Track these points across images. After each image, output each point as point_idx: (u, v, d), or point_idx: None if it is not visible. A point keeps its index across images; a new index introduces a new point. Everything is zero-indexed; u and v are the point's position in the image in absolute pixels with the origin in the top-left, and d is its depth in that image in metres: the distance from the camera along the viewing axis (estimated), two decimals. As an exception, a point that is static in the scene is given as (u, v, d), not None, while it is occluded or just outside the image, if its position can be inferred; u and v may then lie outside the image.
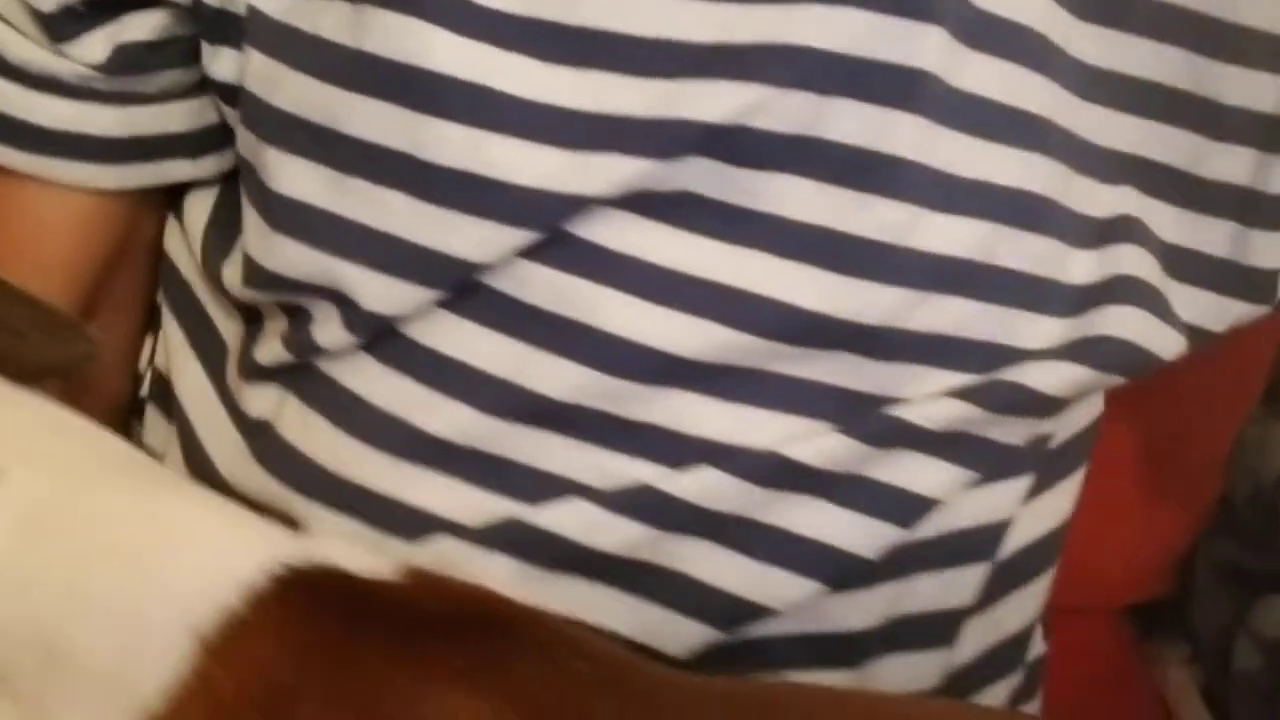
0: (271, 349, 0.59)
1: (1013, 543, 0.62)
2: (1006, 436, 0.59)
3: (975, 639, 0.62)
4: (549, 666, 0.46)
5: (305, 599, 0.47)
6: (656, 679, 0.48)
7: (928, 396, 0.57)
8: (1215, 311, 0.62)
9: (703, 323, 0.55)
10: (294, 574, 0.47)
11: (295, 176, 0.55)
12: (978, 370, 0.58)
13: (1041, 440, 0.61)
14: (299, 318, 0.58)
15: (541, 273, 0.55)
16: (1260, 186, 0.61)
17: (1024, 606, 0.63)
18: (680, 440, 0.56)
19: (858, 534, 0.58)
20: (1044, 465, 0.62)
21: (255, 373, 0.60)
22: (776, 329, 0.56)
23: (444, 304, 0.55)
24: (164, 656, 0.45)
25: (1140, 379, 0.62)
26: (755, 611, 0.57)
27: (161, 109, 0.60)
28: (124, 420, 0.66)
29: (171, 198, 0.64)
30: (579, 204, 0.53)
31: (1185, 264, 0.61)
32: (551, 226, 0.54)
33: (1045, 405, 0.59)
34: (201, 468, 0.61)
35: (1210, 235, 0.61)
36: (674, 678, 0.49)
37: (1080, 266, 0.59)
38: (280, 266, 0.56)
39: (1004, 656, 0.63)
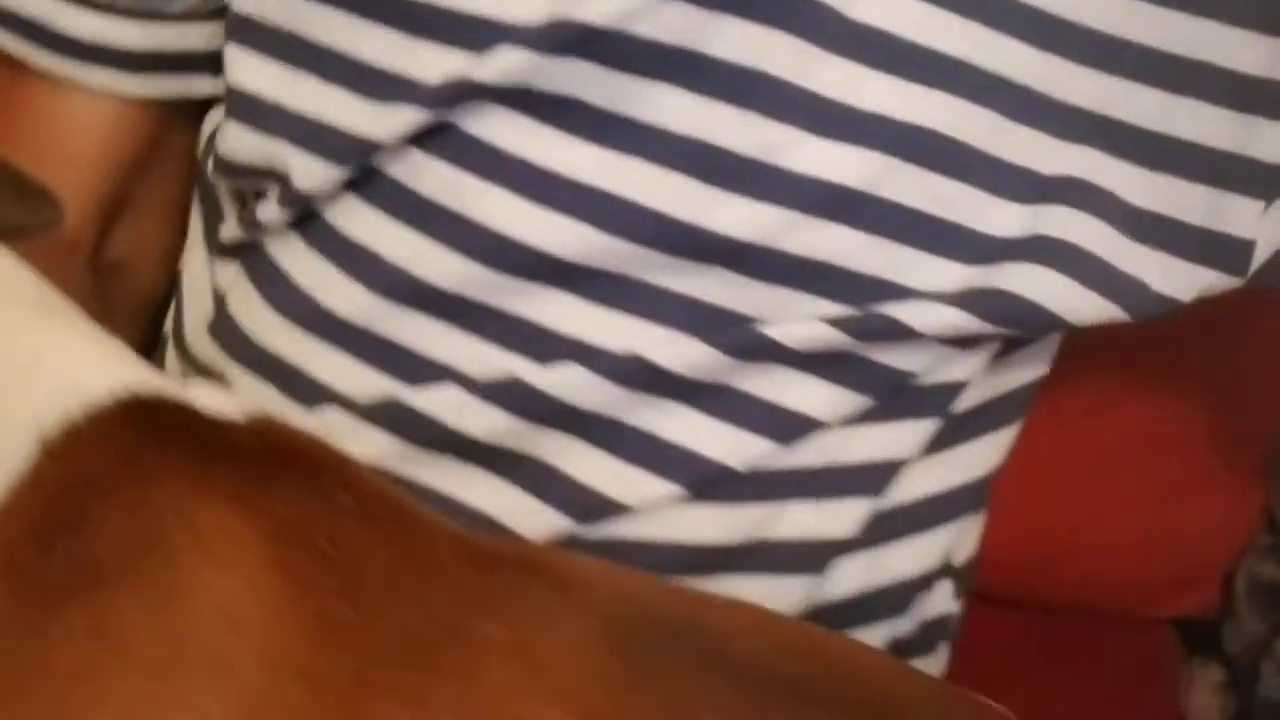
0: (230, 228, 0.65)
1: (914, 488, 0.61)
2: (892, 361, 0.58)
3: (854, 576, 0.61)
4: (310, 493, 0.50)
5: (138, 420, 0.52)
6: (425, 525, 0.51)
7: (795, 318, 0.57)
8: (1183, 279, 0.59)
9: (578, 225, 0.57)
10: (136, 399, 0.53)
11: (248, 69, 0.61)
12: (855, 302, 0.58)
13: (951, 386, 0.60)
14: (255, 200, 0.63)
15: (433, 165, 0.58)
16: (1239, 150, 0.58)
17: (920, 555, 0.62)
18: (549, 336, 0.58)
19: (725, 444, 0.58)
20: (959, 416, 0.61)
21: (221, 250, 0.66)
22: (650, 236, 0.57)
23: (354, 189, 0.60)
24: (16, 453, 0.52)
25: (1041, 335, 0.60)
26: (613, 508, 0.59)
27: (184, 28, 0.67)
28: (157, 313, 0.73)
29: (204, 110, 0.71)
30: (469, 91, 0.57)
31: (1153, 228, 0.59)
32: (442, 113, 0.57)
33: (916, 339, 0.58)
34: (179, 340, 0.68)
35: (1181, 200, 0.58)
36: (451, 530, 0.51)
37: (1003, 218, 0.58)
38: (231, 152, 0.62)
39: (887, 601, 0.61)
